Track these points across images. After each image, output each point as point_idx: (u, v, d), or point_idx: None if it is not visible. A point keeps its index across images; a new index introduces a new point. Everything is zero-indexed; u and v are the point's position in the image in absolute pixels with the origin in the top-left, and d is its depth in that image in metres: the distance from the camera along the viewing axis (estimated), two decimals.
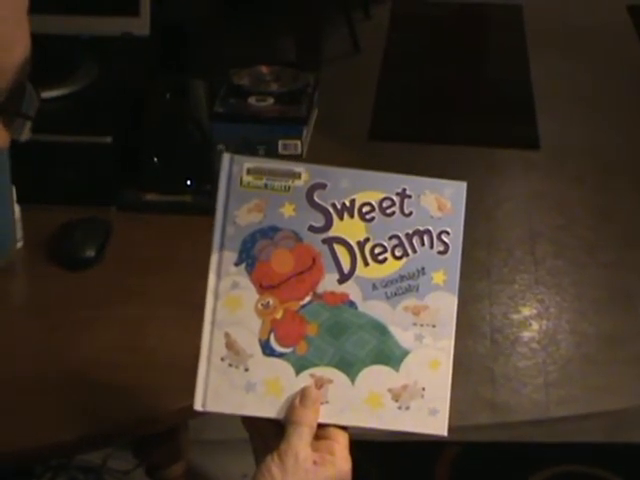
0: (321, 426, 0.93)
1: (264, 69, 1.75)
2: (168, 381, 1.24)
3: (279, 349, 0.94)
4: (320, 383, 0.94)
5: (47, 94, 1.63)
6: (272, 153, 1.62)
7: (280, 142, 1.63)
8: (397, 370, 0.94)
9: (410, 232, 0.95)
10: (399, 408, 0.94)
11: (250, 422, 0.97)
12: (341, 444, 0.93)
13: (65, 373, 1.27)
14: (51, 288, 1.43)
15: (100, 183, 1.59)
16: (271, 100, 1.67)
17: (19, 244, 1.47)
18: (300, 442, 0.91)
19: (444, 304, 0.95)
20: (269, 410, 0.94)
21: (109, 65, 1.74)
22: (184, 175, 1.60)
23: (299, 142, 1.63)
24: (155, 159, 1.60)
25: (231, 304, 0.94)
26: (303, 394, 0.93)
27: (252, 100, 1.67)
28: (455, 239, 0.95)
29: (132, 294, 1.41)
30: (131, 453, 1.88)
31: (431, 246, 0.95)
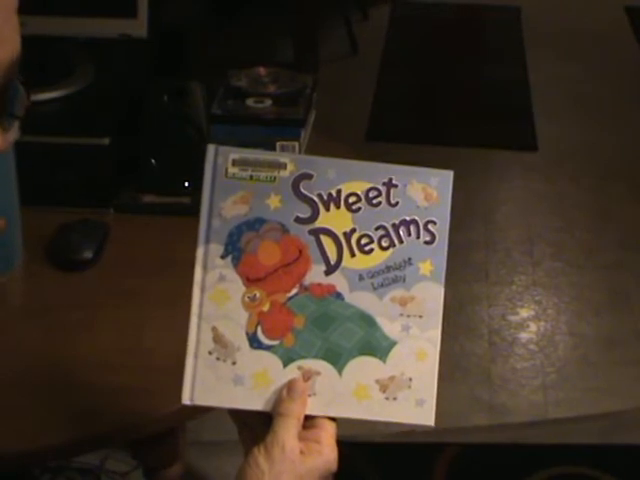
0: (309, 417, 0.94)
1: (262, 70, 1.75)
2: (166, 382, 1.23)
3: (266, 342, 0.94)
4: (308, 375, 0.94)
5: (45, 96, 1.63)
6: None
7: (278, 144, 1.63)
8: (384, 361, 0.94)
9: (396, 222, 0.95)
10: (386, 399, 0.94)
11: (238, 414, 0.97)
12: (328, 433, 0.93)
13: (62, 374, 1.26)
14: (48, 289, 1.43)
15: (98, 185, 1.59)
16: (269, 102, 1.67)
17: None
18: (287, 433, 0.91)
19: (431, 294, 0.95)
20: (257, 403, 0.94)
21: (107, 67, 1.74)
22: (182, 177, 1.60)
23: (297, 144, 1.63)
24: (153, 161, 1.60)
25: (218, 297, 0.94)
26: (290, 387, 0.93)
27: (250, 102, 1.67)
28: (442, 229, 0.95)
29: (130, 296, 1.41)
30: (129, 454, 1.88)
31: (417, 236, 0.95)
